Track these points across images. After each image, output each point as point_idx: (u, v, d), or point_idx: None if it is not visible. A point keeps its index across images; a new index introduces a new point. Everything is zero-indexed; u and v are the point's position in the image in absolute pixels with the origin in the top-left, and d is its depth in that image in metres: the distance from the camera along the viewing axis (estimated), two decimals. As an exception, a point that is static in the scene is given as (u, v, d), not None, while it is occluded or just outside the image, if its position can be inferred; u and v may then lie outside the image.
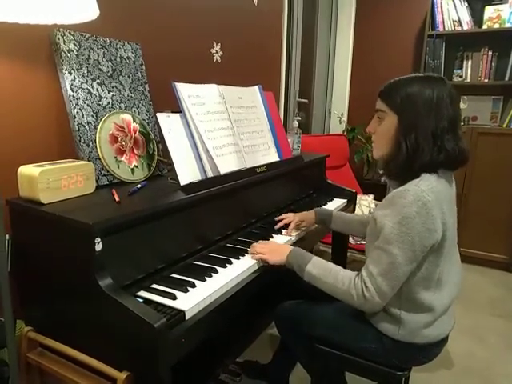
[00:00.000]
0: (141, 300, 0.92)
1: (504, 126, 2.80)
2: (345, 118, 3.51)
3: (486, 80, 2.86)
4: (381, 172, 1.13)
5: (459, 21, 2.85)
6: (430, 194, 0.96)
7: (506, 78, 2.76)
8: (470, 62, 2.91)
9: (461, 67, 2.94)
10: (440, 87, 1.01)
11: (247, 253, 1.21)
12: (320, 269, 1.11)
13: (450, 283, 1.09)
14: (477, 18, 2.85)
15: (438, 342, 1.12)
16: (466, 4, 2.83)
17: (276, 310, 1.34)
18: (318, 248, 2.83)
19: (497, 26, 2.76)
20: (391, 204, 0.99)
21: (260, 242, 1.26)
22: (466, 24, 2.84)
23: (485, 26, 2.80)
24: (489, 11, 2.77)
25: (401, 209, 0.96)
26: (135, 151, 1.29)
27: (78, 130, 1.16)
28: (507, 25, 2.73)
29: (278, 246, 1.22)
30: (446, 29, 2.88)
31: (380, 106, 1.08)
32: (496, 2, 2.77)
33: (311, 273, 1.11)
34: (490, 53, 2.82)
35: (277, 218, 1.47)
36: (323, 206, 1.78)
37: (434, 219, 0.96)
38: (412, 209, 0.95)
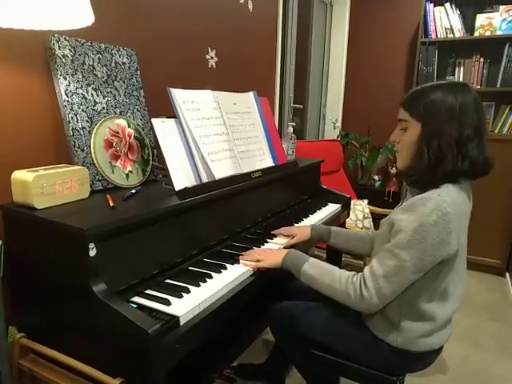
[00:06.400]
0: (135, 306, 0.91)
1: (496, 131, 2.83)
2: (339, 124, 3.53)
3: (478, 86, 2.89)
4: (404, 182, 1.11)
5: (451, 28, 2.89)
6: (451, 206, 0.95)
7: (498, 85, 2.80)
8: (462, 69, 2.94)
9: (453, 74, 2.97)
10: (464, 94, 0.99)
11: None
12: (317, 268, 1.11)
13: (454, 296, 1.09)
14: (468, 25, 2.89)
15: (434, 350, 1.12)
16: (458, 12, 2.87)
17: (270, 310, 1.33)
18: (312, 253, 2.83)
19: (488, 33, 2.80)
20: (410, 210, 0.98)
21: (256, 249, 1.26)
22: (458, 31, 2.88)
23: (476, 34, 2.84)
24: (480, 19, 2.81)
25: (419, 216, 0.95)
26: (130, 156, 1.29)
27: (73, 135, 1.16)
28: (498, 32, 2.77)
29: (275, 251, 1.22)
30: (439, 36, 2.92)
31: (402, 116, 1.07)
32: (487, 10, 2.82)
33: (308, 272, 1.11)
34: (482, 60, 2.86)
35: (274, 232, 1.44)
36: (318, 211, 1.79)
37: (450, 232, 0.95)
38: (431, 218, 0.94)
